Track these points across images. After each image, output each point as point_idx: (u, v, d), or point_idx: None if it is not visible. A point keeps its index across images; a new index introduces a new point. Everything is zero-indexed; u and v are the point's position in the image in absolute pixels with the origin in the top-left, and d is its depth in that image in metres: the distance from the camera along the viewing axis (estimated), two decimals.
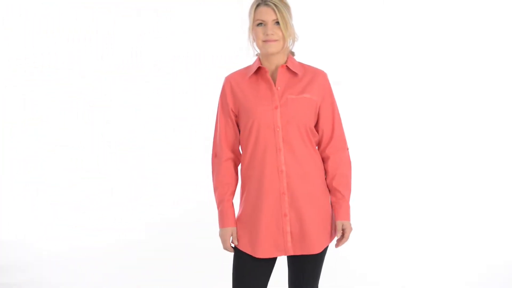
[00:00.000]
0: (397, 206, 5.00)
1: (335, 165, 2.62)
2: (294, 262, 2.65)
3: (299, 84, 2.59)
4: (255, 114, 2.56)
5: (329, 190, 2.64)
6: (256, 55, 2.65)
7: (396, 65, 5.10)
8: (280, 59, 2.60)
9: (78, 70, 5.24)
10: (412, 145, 5.07)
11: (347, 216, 2.61)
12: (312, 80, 2.61)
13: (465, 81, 5.09)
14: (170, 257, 4.78)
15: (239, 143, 2.66)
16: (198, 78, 5.21)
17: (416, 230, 4.92)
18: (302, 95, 2.57)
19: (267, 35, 2.53)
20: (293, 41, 2.60)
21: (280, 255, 2.61)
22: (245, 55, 2.75)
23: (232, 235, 2.62)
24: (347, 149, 2.68)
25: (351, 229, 2.62)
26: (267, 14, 2.52)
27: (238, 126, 2.65)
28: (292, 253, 2.59)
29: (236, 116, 2.64)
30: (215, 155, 2.68)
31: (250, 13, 2.57)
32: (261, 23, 2.54)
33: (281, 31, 2.53)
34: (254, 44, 2.59)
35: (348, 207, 2.62)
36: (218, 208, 2.65)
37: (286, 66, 2.60)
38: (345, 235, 2.61)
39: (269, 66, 2.61)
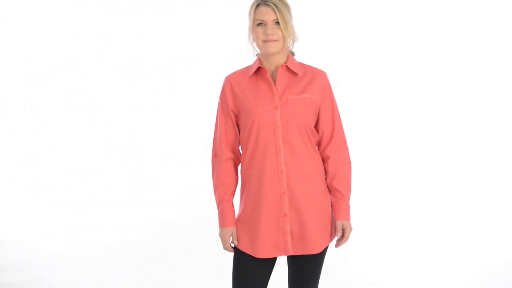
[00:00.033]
0: (397, 206, 5.00)
1: (335, 165, 2.62)
2: (294, 262, 2.65)
3: (299, 84, 2.59)
4: (255, 114, 2.56)
5: (329, 190, 2.64)
6: (256, 55, 2.65)
7: (396, 65, 5.10)
8: (280, 59, 2.60)
9: (78, 70, 5.24)
10: (412, 145, 5.07)
11: (347, 216, 2.61)
12: (312, 80, 2.61)
13: (465, 81, 5.08)
14: (170, 257, 4.78)
15: (239, 143, 2.66)
16: (198, 78, 5.21)
17: (416, 230, 4.92)
18: (302, 95, 2.57)
19: (267, 35, 2.53)
20: (293, 41, 2.60)
21: (280, 255, 2.60)
22: (245, 55, 2.75)
23: (232, 235, 2.62)
24: (347, 149, 2.68)
25: (351, 229, 2.62)
26: (267, 14, 2.52)
27: (238, 126, 2.65)
28: (292, 253, 2.59)
29: (236, 116, 2.64)
30: (215, 155, 2.68)
31: (250, 13, 2.57)
32: (261, 23, 2.54)
33: (281, 31, 2.53)
34: (254, 44, 2.59)
35: (348, 207, 2.62)
36: (218, 208, 2.65)
37: (286, 66, 2.60)
38: (345, 235, 2.61)
39: (269, 66, 2.61)
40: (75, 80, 5.25)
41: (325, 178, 2.64)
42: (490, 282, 4.51)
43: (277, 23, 2.53)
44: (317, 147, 2.66)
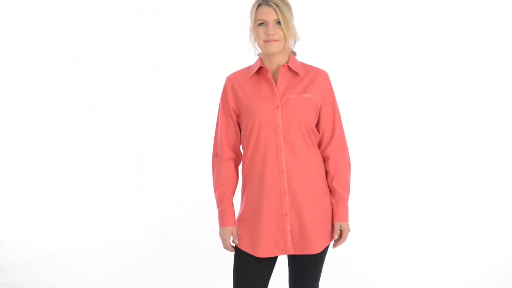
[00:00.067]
0: (397, 206, 5.00)
1: (335, 165, 2.62)
2: (294, 262, 2.66)
3: (300, 83, 2.59)
4: (256, 114, 2.56)
5: (330, 190, 2.64)
6: (258, 55, 2.65)
7: (396, 65, 5.10)
8: (281, 59, 2.60)
9: (78, 70, 5.24)
10: (412, 145, 5.07)
11: (345, 217, 2.62)
12: (314, 80, 2.61)
13: (465, 81, 5.08)
14: (170, 257, 4.78)
15: (240, 143, 2.66)
16: (198, 78, 5.21)
17: (416, 230, 4.92)
18: (303, 95, 2.57)
19: (268, 35, 2.53)
20: (295, 41, 2.60)
21: (280, 254, 2.61)
22: (245, 55, 2.75)
23: (232, 234, 2.63)
24: (347, 149, 2.68)
25: (349, 230, 2.62)
26: (269, 14, 2.52)
27: (239, 125, 2.65)
28: (292, 253, 2.59)
29: (237, 116, 2.64)
30: (215, 155, 2.68)
31: (251, 13, 2.57)
32: (262, 23, 2.54)
33: (283, 31, 2.53)
34: (256, 44, 2.60)
35: (346, 208, 2.62)
36: (218, 207, 2.65)
37: (288, 66, 2.60)
38: (343, 236, 2.62)
39: (271, 66, 2.61)
40: (75, 80, 5.25)
41: (326, 178, 2.64)
42: (490, 282, 4.51)
43: (279, 23, 2.53)
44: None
